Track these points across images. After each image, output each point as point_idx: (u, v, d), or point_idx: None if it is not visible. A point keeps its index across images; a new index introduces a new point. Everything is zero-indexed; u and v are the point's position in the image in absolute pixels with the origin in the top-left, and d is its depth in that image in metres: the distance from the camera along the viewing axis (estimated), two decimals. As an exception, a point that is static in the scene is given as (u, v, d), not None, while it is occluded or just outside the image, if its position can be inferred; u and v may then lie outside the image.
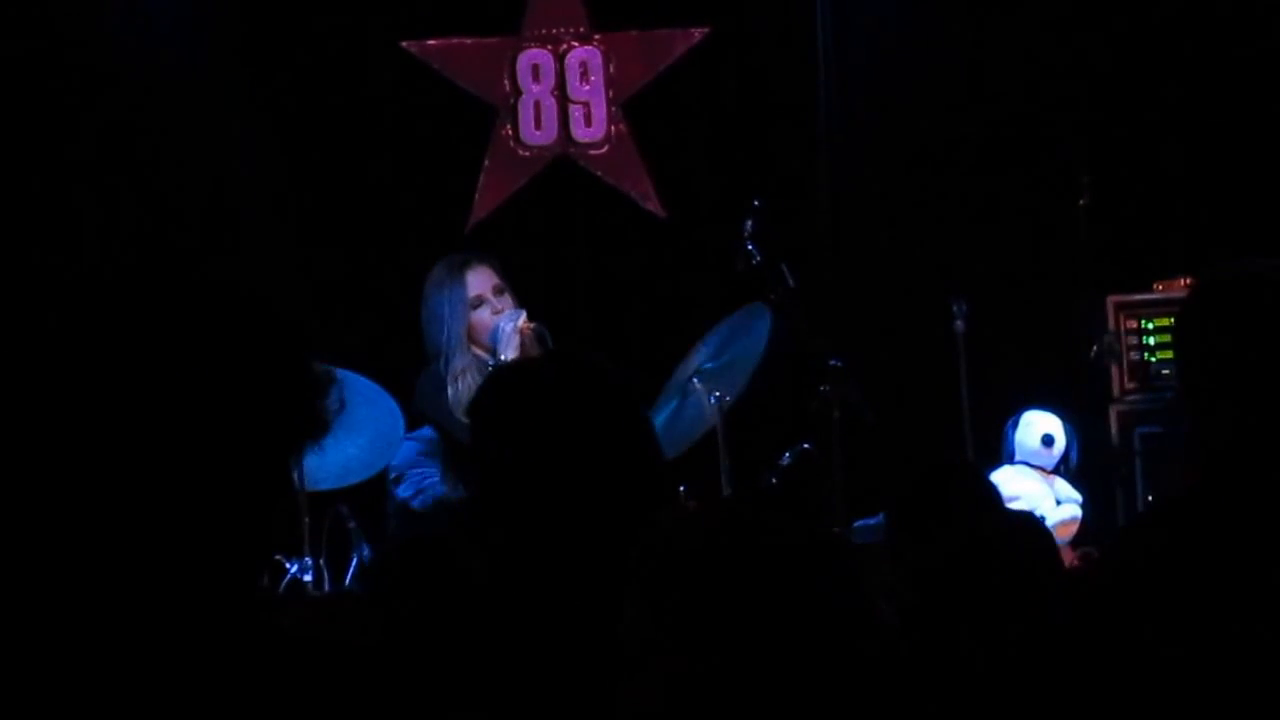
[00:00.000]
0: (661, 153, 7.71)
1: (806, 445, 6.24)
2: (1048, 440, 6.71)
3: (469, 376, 5.76)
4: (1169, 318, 6.74)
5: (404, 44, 7.64)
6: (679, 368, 5.93)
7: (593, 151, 7.72)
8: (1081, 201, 6.97)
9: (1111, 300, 6.95)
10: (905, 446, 6.86)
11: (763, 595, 2.03)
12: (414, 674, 2.64)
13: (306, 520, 5.53)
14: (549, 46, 7.71)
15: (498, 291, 5.90)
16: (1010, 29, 7.52)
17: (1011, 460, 6.73)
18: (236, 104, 7.47)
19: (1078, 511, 6.64)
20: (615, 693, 2.12)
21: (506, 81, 7.70)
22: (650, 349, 6.58)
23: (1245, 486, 2.52)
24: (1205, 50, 7.44)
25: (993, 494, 4.33)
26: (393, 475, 5.94)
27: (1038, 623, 3.06)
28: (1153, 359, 6.91)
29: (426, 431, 5.92)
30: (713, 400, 5.93)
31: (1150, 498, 6.72)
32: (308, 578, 5.53)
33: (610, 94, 7.70)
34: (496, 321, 5.82)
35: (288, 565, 5.52)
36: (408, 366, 6.03)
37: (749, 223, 6.35)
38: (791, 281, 6.30)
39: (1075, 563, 5.99)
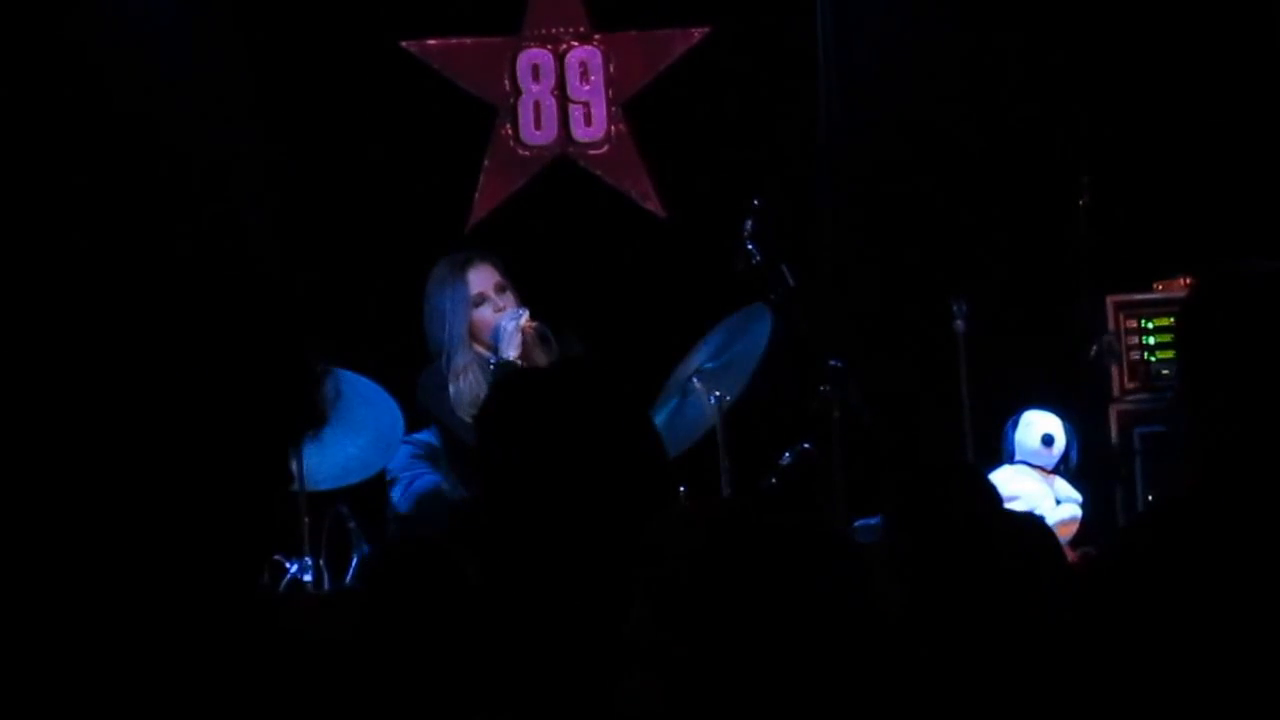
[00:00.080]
0: (661, 153, 7.71)
1: (806, 445, 6.24)
2: (1048, 440, 6.70)
3: (471, 374, 5.76)
4: (1169, 318, 6.75)
5: (404, 44, 7.64)
6: (679, 367, 5.93)
7: (593, 151, 7.72)
8: (1081, 201, 6.97)
9: (1111, 300, 6.94)
10: (905, 446, 6.86)
11: (767, 593, 2.03)
12: (409, 674, 2.64)
13: (306, 520, 5.54)
14: (549, 46, 7.71)
15: (499, 289, 5.90)
16: (1010, 29, 7.52)
17: (1011, 460, 6.73)
18: (236, 103, 7.46)
19: (1077, 511, 6.63)
20: (616, 691, 2.12)
21: (506, 81, 7.69)
22: (650, 349, 6.58)
23: (1245, 486, 2.52)
24: (1205, 50, 7.43)
25: (993, 494, 4.34)
26: (388, 478, 5.95)
27: (1042, 623, 3.06)
28: (1153, 359, 6.91)
29: (422, 435, 5.92)
30: (713, 400, 5.93)
31: (1150, 498, 6.72)
32: (308, 578, 5.53)
33: (610, 94, 7.69)
34: (498, 320, 5.82)
35: (288, 565, 5.53)
36: (408, 366, 6.03)
37: (749, 223, 6.35)
38: (791, 281, 6.30)
39: (1075, 562, 5.99)
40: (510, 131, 7.70)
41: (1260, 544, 2.48)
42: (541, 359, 5.78)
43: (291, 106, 7.52)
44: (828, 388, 6.35)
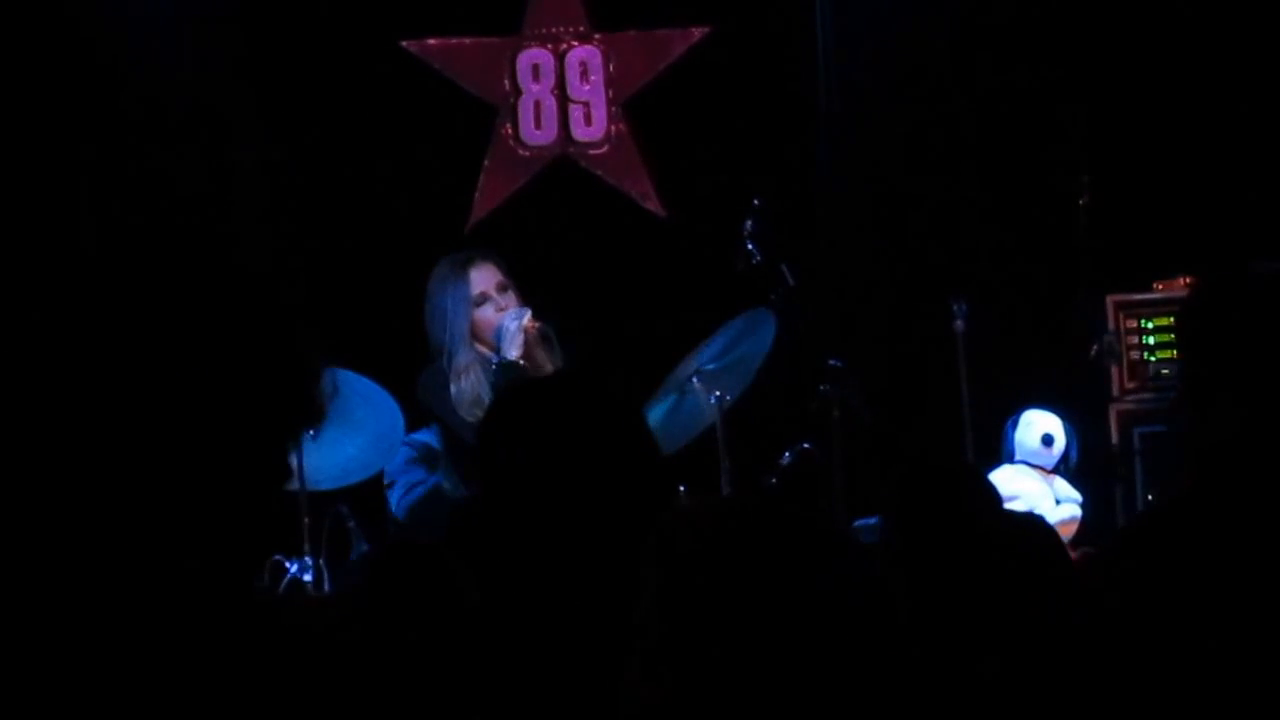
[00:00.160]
0: (661, 152, 7.71)
1: (806, 445, 6.24)
2: (1047, 440, 6.71)
3: (472, 374, 5.76)
4: (1169, 317, 6.75)
5: (404, 44, 7.64)
6: (679, 366, 5.93)
7: (593, 151, 7.72)
8: (1081, 201, 6.97)
9: (1111, 300, 6.94)
10: (905, 446, 6.86)
11: (770, 590, 2.03)
12: (402, 675, 2.64)
13: (306, 520, 5.53)
14: (549, 46, 7.71)
15: (501, 289, 5.89)
16: (1010, 29, 7.52)
17: (1011, 460, 6.73)
18: (236, 103, 7.46)
19: (1077, 511, 6.64)
20: (619, 688, 2.12)
21: (506, 81, 7.69)
22: (650, 349, 6.58)
23: (1245, 485, 2.52)
24: (1205, 49, 7.43)
25: (993, 494, 4.33)
26: (386, 481, 5.95)
27: (1043, 622, 3.06)
28: (1153, 359, 6.91)
29: (421, 436, 5.92)
30: (713, 400, 5.93)
31: (1150, 498, 6.72)
32: (308, 578, 5.53)
33: (610, 93, 7.69)
34: (500, 319, 5.81)
35: (288, 565, 5.52)
36: (408, 366, 6.03)
37: (749, 222, 6.35)
38: (791, 281, 6.30)
39: (1075, 562, 5.98)
40: (510, 131, 7.70)
41: (1260, 543, 2.48)
42: (543, 359, 5.78)
43: (292, 106, 7.52)
44: (828, 388, 6.35)
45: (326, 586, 5.57)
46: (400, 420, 5.73)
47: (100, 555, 1.79)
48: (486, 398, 5.67)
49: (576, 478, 2.67)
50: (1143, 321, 6.92)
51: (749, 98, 7.69)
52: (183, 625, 1.77)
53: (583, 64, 7.70)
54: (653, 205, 7.71)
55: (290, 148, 7.52)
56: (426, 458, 5.90)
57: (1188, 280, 6.77)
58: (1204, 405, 2.56)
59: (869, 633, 2.08)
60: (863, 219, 7.59)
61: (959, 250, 7.43)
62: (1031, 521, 3.61)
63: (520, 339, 5.75)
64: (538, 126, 7.69)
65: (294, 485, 5.38)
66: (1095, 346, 6.91)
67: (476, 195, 7.67)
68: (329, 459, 5.61)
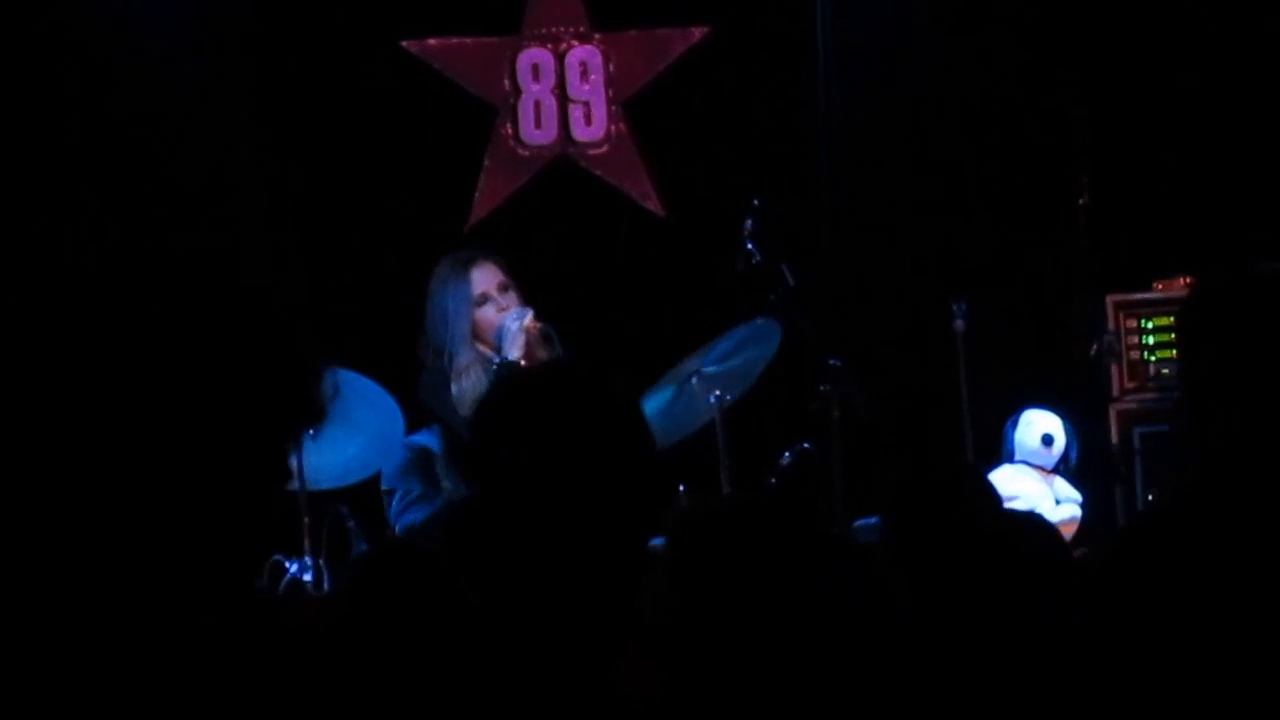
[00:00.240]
0: (661, 152, 7.71)
1: (806, 445, 6.24)
2: (1047, 440, 6.71)
3: (473, 373, 5.76)
4: (1169, 317, 6.75)
5: (404, 44, 7.64)
6: (680, 363, 5.93)
7: (593, 151, 7.72)
8: (1081, 201, 6.97)
9: (1111, 299, 6.94)
10: (905, 446, 6.86)
11: (772, 589, 2.04)
12: (404, 674, 2.64)
13: (306, 520, 5.53)
14: (549, 46, 7.71)
15: (503, 289, 5.89)
16: (1010, 29, 7.52)
17: (1011, 460, 6.73)
18: (236, 103, 7.47)
19: (1077, 511, 6.64)
20: (616, 671, 2.12)
21: (506, 81, 7.69)
22: (650, 349, 6.58)
23: (1245, 485, 2.52)
24: (1205, 49, 7.44)
25: (992, 494, 4.33)
26: (384, 487, 5.95)
27: (1045, 621, 3.06)
28: (1152, 358, 6.91)
29: (419, 438, 5.91)
30: (713, 400, 5.94)
31: (1150, 497, 6.72)
32: (308, 577, 5.53)
33: (610, 93, 7.69)
34: (502, 319, 5.81)
35: (288, 565, 5.52)
36: (408, 366, 6.03)
37: (749, 222, 6.35)
38: (791, 281, 6.30)
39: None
40: (510, 131, 7.70)
41: (1260, 542, 2.48)
42: (545, 359, 5.78)
43: (292, 106, 7.52)
44: (828, 388, 6.36)
45: (326, 586, 5.57)
46: (400, 420, 5.73)
47: (101, 555, 1.79)
48: (488, 398, 5.66)
49: (573, 467, 2.67)
50: (1143, 321, 6.92)
51: (749, 98, 7.69)
52: (183, 625, 1.77)
53: (583, 64, 7.70)
54: (653, 205, 7.71)
55: (290, 148, 7.52)
56: (423, 464, 5.90)
57: (1188, 280, 6.78)
58: (1204, 405, 2.56)
59: (867, 632, 2.08)
60: (863, 219, 7.59)
61: (959, 250, 7.43)
62: (1032, 521, 3.61)
63: (521, 339, 5.75)
64: (538, 126, 7.69)
65: (294, 485, 5.38)
66: (1095, 346, 6.91)
67: (476, 195, 7.67)
68: (329, 459, 5.61)
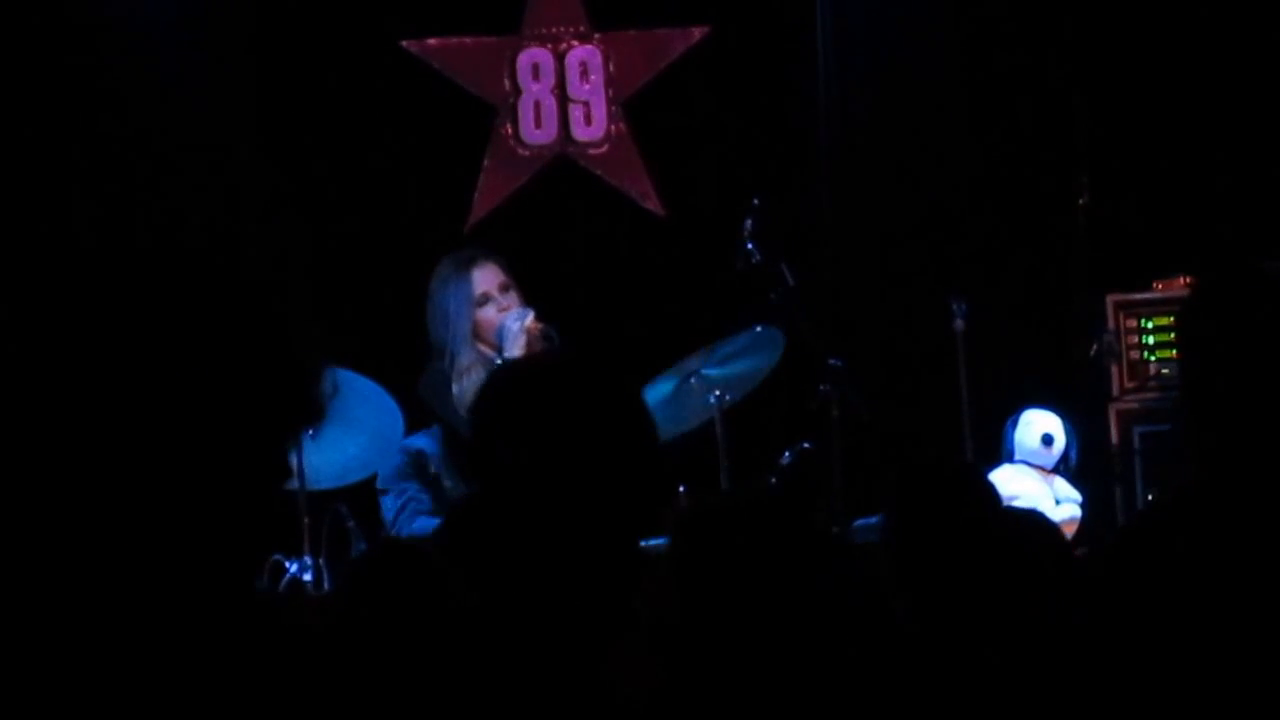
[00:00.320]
0: (661, 152, 7.71)
1: (806, 445, 6.24)
2: (1047, 439, 6.71)
3: (474, 374, 5.75)
4: (1169, 317, 6.75)
5: (404, 44, 7.64)
6: (683, 361, 5.93)
7: (592, 151, 7.72)
8: (1081, 201, 6.97)
9: (1111, 299, 6.95)
10: (905, 446, 6.86)
11: (772, 587, 2.04)
12: (403, 674, 2.64)
13: (306, 520, 5.53)
14: (549, 45, 7.71)
15: (504, 289, 5.89)
16: (1010, 28, 7.52)
17: (1011, 459, 6.73)
18: (236, 102, 7.46)
19: (1077, 511, 6.64)
20: (614, 664, 2.12)
21: (506, 81, 7.69)
22: (650, 349, 6.58)
23: (1245, 484, 2.52)
24: (1205, 49, 7.44)
25: (992, 494, 4.33)
26: (379, 487, 5.95)
27: (1046, 620, 3.06)
28: (1152, 358, 6.91)
29: (417, 440, 5.91)
30: (713, 400, 5.94)
31: (1150, 497, 6.72)
32: (307, 577, 5.53)
33: (610, 93, 7.69)
34: (503, 319, 5.81)
35: (287, 565, 5.52)
36: (408, 366, 6.03)
37: (749, 222, 6.35)
38: (791, 281, 6.31)
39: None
40: (510, 131, 7.70)
41: (1260, 541, 2.48)
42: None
43: (292, 106, 7.52)
44: (828, 387, 6.36)
45: (326, 586, 5.56)
46: (400, 420, 5.73)
47: (100, 554, 1.78)
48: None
49: (574, 457, 2.66)
50: (1143, 321, 6.92)
51: (749, 98, 7.69)
52: (183, 623, 1.77)
53: (582, 64, 7.70)
54: (652, 205, 7.71)
55: (290, 147, 7.52)
56: (418, 467, 5.90)
57: (1188, 280, 6.78)
58: (1204, 404, 2.56)
59: (865, 631, 2.08)
60: (862, 219, 7.59)
61: (959, 250, 7.43)
62: (1033, 519, 3.61)
63: (522, 339, 5.75)
64: (537, 126, 7.69)
65: (294, 485, 5.38)
66: (1095, 346, 6.91)
67: (476, 195, 7.67)
68: (329, 459, 5.60)
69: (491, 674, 2.61)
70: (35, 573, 1.79)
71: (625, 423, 2.72)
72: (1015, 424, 6.77)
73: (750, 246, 6.32)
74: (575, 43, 7.70)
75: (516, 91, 7.69)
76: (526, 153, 7.71)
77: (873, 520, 5.85)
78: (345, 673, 1.82)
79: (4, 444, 1.81)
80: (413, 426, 5.87)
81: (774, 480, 6.17)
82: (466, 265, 5.90)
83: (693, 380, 5.93)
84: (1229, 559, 2.48)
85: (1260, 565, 2.46)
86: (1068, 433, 6.75)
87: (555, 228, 7.67)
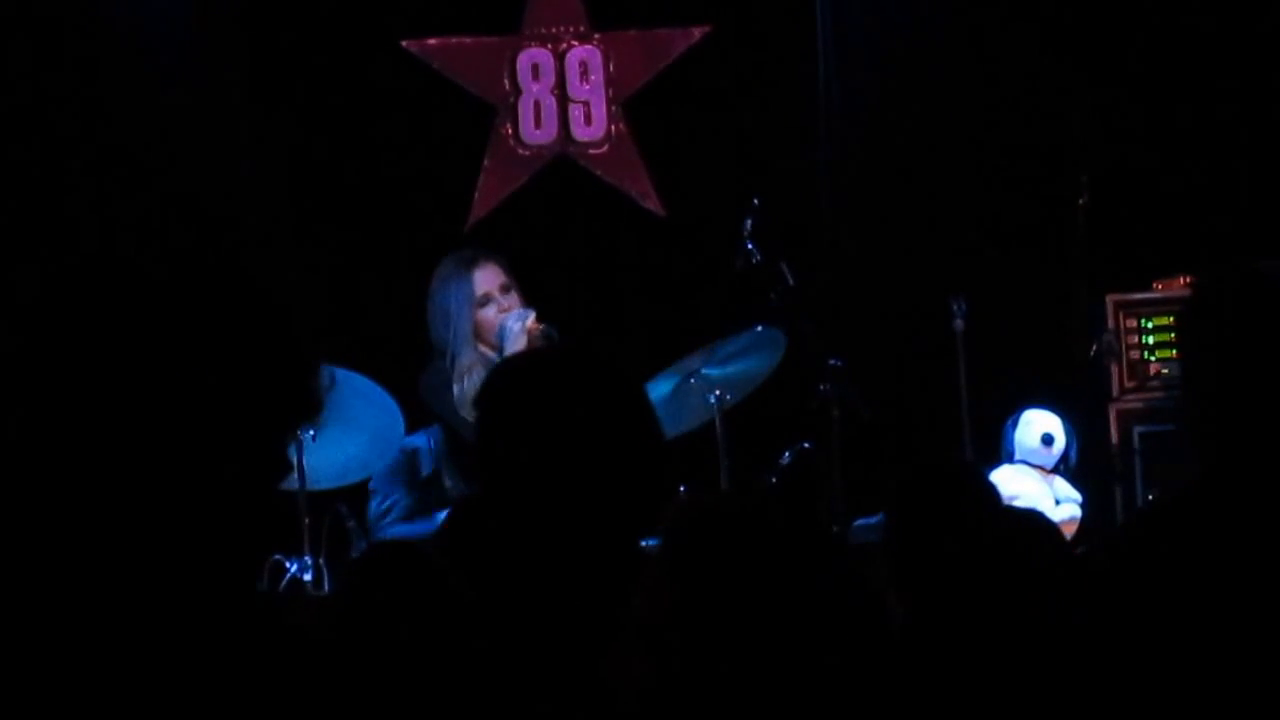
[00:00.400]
0: (661, 152, 7.71)
1: (806, 445, 6.24)
2: (1047, 439, 6.71)
3: (475, 374, 5.75)
4: (1169, 317, 6.75)
5: (404, 43, 7.64)
6: (683, 360, 5.93)
7: (592, 150, 7.72)
8: (1081, 201, 6.97)
9: (1111, 299, 6.95)
10: (905, 446, 6.86)
11: (769, 587, 2.03)
12: (402, 674, 2.64)
13: (306, 520, 5.53)
14: (549, 45, 7.71)
15: (505, 289, 5.89)
16: (1010, 29, 7.52)
17: (1011, 459, 6.73)
18: (236, 103, 7.47)
19: (1077, 511, 6.64)
20: (611, 672, 2.12)
21: (506, 80, 7.69)
22: (650, 348, 6.58)
23: (1246, 482, 2.52)
24: (1205, 49, 7.44)
25: (992, 493, 4.33)
26: (371, 487, 5.95)
27: (1046, 620, 3.06)
28: (1152, 358, 6.91)
29: (413, 440, 5.90)
30: (713, 400, 5.94)
31: (1150, 497, 6.72)
32: (307, 577, 5.53)
33: (610, 93, 7.69)
34: (503, 320, 5.81)
35: (287, 565, 5.52)
36: (408, 366, 6.03)
37: (749, 222, 6.35)
38: (791, 281, 6.31)
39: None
40: (510, 131, 7.70)
41: (1261, 541, 2.48)
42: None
43: (292, 106, 7.52)
44: (828, 387, 6.36)
45: (326, 586, 5.57)
46: (400, 420, 5.73)
47: (100, 552, 1.78)
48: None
49: (577, 448, 2.66)
50: (1143, 321, 6.92)
51: (749, 98, 7.69)
52: (183, 620, 1.77)
53: (582, 63, 7.70)
54: (652, 205, 7.71)
55: (290, 147, 7.52)
56: (410, 467, 5.90)
57: (1188, 280, 6.78)
58: (1205, 404, 2.56)
59: (861, 631, 2.08)
60: (863, 218, 7.59)
61: (959, 250, 7.43)
62: (1033, 518, 3.61)
63: (523, 340, 5.75)
64: (537, 126, 7.69)
65: (294, 485, 5.38)
66: (1095, 346, 6.91)
67: (476, 195, 7.67)
68: (328, 459, 5.60)
69: (491, 673, 2.61)
70: (36, 571, 1.79)
71: (628, 417, 2.72)
72: (1015, 424, 6.77)
73: (750, 246, 6.32)
74: (575, 43, 7.70)
75: (516, 91, 7.69)
76: (526, 153, 7.71)
77: (873, 520, 5.85)
78: (345, 672, 1.82)
79: (4, 441, 1.81)
80: (413, 426, 5.88)
81: (774, 480, 6.17)
82: (468, 265, 5.90)
83: (693, 380, 5.93)
84: (1230, 558, 2.48)
85: (1261, 564, 2.46)
86: (1068, 433, 6.75)
87: (555, 228, 7.67)
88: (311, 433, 5.26)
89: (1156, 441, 6.77)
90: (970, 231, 7.49)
